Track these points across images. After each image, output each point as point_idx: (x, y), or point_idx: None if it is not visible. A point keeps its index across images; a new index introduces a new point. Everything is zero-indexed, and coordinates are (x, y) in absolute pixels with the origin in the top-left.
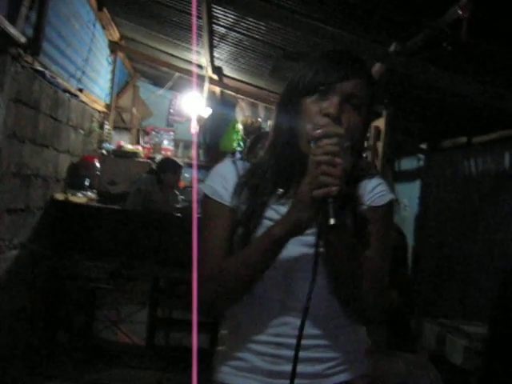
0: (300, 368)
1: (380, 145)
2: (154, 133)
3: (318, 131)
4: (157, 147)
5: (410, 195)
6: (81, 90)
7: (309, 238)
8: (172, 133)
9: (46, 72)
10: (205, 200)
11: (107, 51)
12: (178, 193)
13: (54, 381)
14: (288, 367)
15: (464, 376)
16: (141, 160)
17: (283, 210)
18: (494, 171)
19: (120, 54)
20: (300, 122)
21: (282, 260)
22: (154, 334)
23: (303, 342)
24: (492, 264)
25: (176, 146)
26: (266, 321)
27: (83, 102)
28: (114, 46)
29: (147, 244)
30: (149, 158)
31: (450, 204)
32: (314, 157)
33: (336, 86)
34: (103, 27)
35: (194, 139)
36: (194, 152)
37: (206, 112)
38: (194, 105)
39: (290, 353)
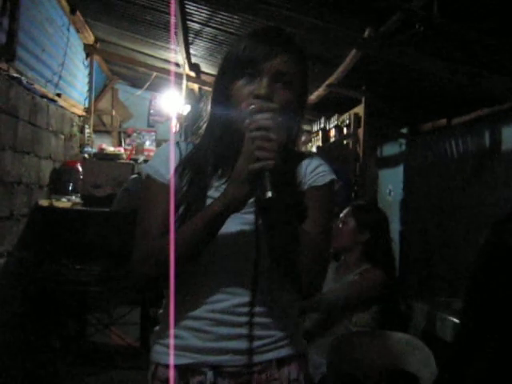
0: (235, 344)
1: (361, 132)
2: (135, 134)
3: (251, 107)
4: (139, 148)
5: (393, 180)
6: (59, 95)
7: (248, 215)
8: (154, 133)
9: (23, 78)
10: (146, 179)
11: (83, 55)
12: None
13: None
14: (220, 344)
15: None
16: (123, 162)
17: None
18: (474, 150)
19: (96, 57)
20: (233, 105)
21: (223, 238)
22: (147, 334)
23: (240, 319)
24: (478, 242)
25: (158, 146)
26: (203, 298)
27: (62, 106)
28: (89, 49)
29: None
30: (131, 159)
31: (434, 186)
32: (249, 133)
33: (263, 66)
34: (77, 31)
35: (172, 138)
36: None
37: (186, 110)
38: (173, 104)
39: (225, 330)
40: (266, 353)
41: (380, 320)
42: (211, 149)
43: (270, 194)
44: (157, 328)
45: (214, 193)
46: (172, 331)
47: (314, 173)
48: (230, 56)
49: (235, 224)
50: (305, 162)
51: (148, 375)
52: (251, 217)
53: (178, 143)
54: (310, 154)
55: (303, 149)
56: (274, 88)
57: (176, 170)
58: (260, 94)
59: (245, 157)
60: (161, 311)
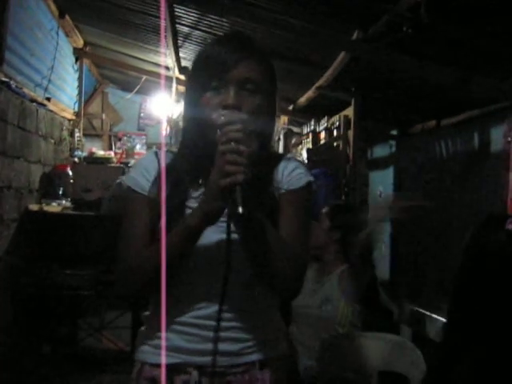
0: (219, 346)
1: (351, 134)
2: (125, 138)
3: (221, 119)
4: (129, 152)
5: (384, 182)
6: (48, 99)
7: (221, 224)
8: (144, 137)
9: (11, 82)
10: (127, 192)
11: (72, 59)
12: None
13: None
14: (205, 346)
15: None
16: (114, 165)
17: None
18: (464, 152)
19: (86, 61)
20: (204, 115)
21: (201, 247)
22: None
23: (222, 323)
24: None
25: (149, 149)
26: (187, 303)
27: (51, 110)
28: (79, 53)
29: None
30: (122, 162)
31: (423, 187)
32: (219, 146)
33: (228, 76)
34: (66, 34)
35: (163, 141)
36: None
37: (176, 113)
38: (163, 107)
39: (208, 333)
40: (249, 355)
41: (364, 318)
42: (188, 159)
43: (240, 210)
44: (142, 329)
45: (194, 203)
46: (158, 333)
47: (290, 176)
48: (195, 68)
49: (208, 233)
50: (281, 165)
51: (133, 374)
52: (223, 226)
53: (156, 153)
54: (286, 157)
55: (293, 151)
56: (241, 96)
57: (155, 181)
58: (228, 105)
59: (216, 171)
60: (146, 313)
